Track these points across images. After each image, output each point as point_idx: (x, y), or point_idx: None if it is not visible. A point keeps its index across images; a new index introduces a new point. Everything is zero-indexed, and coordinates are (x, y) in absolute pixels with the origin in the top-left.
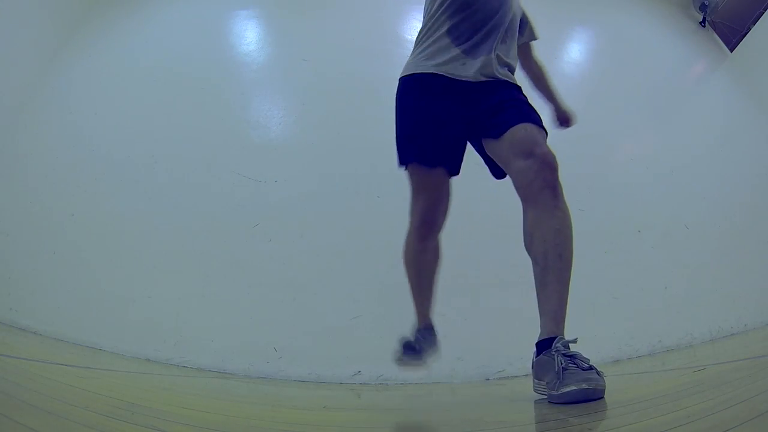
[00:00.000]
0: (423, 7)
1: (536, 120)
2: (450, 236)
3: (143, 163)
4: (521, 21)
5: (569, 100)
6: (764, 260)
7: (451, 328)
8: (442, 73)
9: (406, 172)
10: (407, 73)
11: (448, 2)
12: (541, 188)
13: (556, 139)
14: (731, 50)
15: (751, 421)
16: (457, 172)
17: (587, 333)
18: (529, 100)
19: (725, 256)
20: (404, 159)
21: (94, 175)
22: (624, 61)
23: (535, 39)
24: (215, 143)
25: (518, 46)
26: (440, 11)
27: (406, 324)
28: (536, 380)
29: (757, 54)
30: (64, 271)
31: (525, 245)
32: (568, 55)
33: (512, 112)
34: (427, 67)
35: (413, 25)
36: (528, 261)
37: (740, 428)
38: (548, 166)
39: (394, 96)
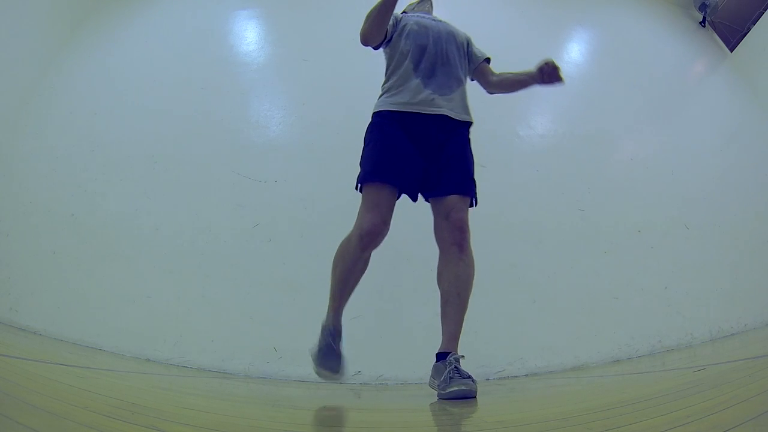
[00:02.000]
0: (386, 52)
1: (466, 189)
2: None
3: (143, 163)
4: (469, 46)
5: (569, 100)
6: (764, 260)
7: None
8: (416, 111)
9: (364, 189)
10: (382, 109)
11: (410, 48)
12: (451, 244)
13: (555, 140)
14: (731, 50)
15: (751, 421)
16: (415, 198)
17: (587, 333)
18: (472, 158)
19: (725, 256)
20: (372, 179)
21: (94, 175)
22: (624, 61)
23: (486, 57)
24: (215, 143)
25: (475, 70)
26: (403, 56)
27: (406, 324)
28: (432, 378)
29: (757, 54)
30: (64, 271)
31: (436, 281)
32: (568, 55)
33: (452, 179)
34: (401, 106)
35: None
36: (529, 262)
37: (740, 428)
38: (459, 229)
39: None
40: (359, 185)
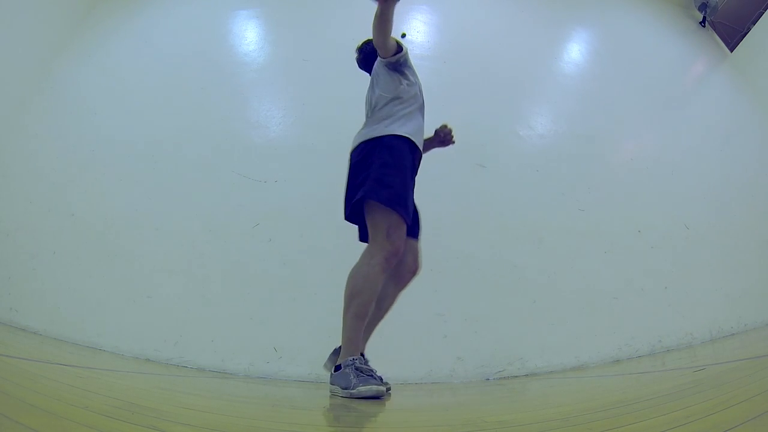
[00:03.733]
0: (382, 83)
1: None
2: (451, 237)
3: (143, 164)
4: None
5: (569, 100)
6: (764, 260)
7: (451, 328)
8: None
9: (391, 215)
10: (410, 138)
11: (416, 93)
12: (407, 282)
13: (555, 140)
14: (731, 50)
15: (751, 421)
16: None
17: (587, 333)
18: None
19: (725, 256)
20: (400, 210)
21: (94, 175)
22: (624, 61)
23: None
24: (215, 143)
25: None
26: (415, 98)
27: (406, 324)
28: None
29: (757, 54)
30: (64, 271)
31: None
32: (568, 55)
33: (418, 225)
34: (418, 142)
35: (413, 26)
36: (529, 262)
37: (740, 428)
38: (416, 273)
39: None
40: (385, 204)
